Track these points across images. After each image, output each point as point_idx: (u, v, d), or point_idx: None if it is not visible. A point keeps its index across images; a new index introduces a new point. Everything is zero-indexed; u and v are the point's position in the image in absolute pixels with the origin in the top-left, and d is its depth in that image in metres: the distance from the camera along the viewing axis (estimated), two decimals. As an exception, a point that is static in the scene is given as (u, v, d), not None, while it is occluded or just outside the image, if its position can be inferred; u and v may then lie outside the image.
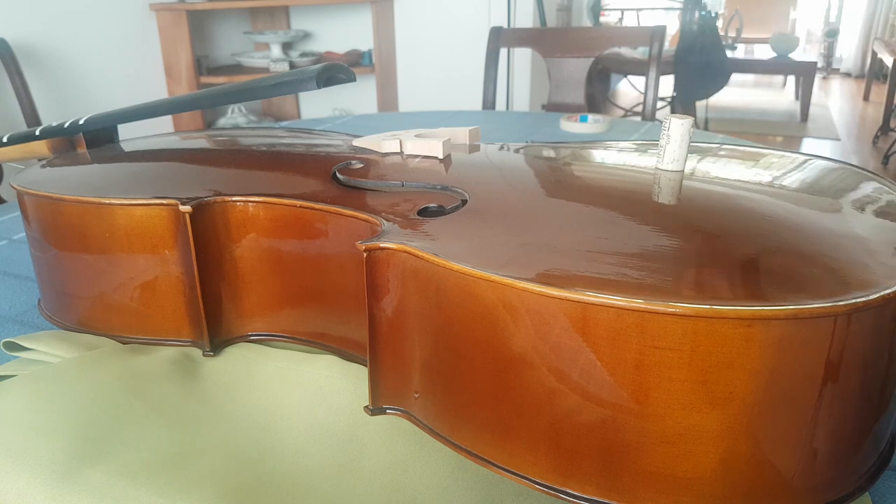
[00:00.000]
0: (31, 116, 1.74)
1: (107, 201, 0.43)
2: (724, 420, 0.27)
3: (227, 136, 0.63)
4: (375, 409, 0.38)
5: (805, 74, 3.83)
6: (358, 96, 2.55)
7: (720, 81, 2.99)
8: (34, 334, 0.46)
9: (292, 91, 0.51)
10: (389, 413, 0.38)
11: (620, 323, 0.27)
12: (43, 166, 0.53)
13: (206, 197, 0.43)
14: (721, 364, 0.26)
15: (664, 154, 0.44)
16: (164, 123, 2.20)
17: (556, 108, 1.44)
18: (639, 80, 3.86)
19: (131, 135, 0.63)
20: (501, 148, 0.52)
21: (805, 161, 0.45)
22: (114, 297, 0.46)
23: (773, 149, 0.48)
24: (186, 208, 0.42)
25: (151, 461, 0.35)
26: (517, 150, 0.51)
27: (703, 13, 2.94)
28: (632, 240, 0.33)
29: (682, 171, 0.44)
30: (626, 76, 3.84)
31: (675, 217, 0.37)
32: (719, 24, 4.22)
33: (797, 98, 4.23)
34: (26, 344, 0.45)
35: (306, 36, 2.62)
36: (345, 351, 0.43)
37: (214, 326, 0.45)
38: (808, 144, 3.47)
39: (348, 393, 0.40)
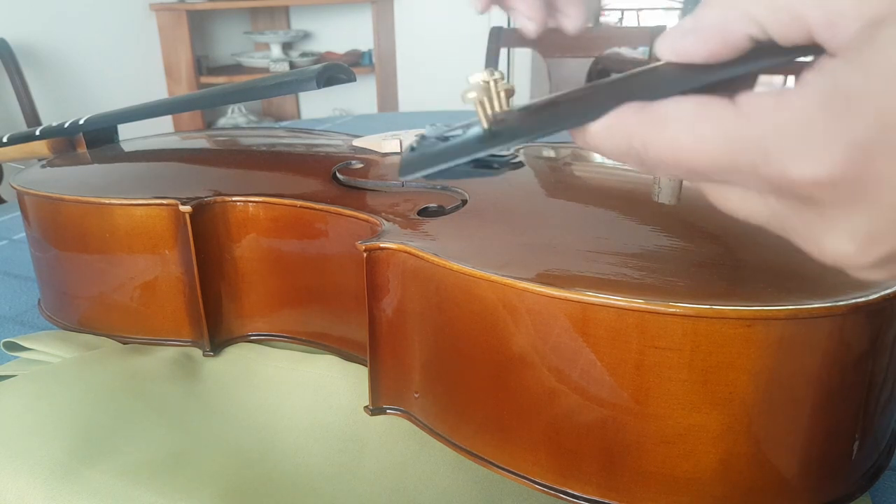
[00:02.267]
0: (31, 116, 1.74)
1: (107, 201, 0.43)
2: (724, 420, 0.27)
3: (227, 136, 0.63)
4: (375, 409, 0.38)
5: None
6: (358, 96, 2.55)
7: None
8: (34, 334, 0.46)
9: (292, 91, 0.51)
10: (389, 413, 0.38)
11: (620, 323, 0.27)
12: (43, 166, 0.53)
13: (206, 197, 0.43)
14: (721, 364, 0.26)
15: (664, 154, 0.44)
16: (164, 123, 2.20)
17: (556, 108, 1.44)
18: (639, 80, 3.85)
19: (131, 135, 0.63)
20: (501, 148, 0.52)
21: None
22: (114, 297, 0.46)
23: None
24: (186, 208, 0.42)
25: (151, 461, 0.35)
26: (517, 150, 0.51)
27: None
28: (632, 240, 0.33)
29: (682, 171, 0.44)
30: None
31: (675, 217, 0.37)
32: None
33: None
34: (26, 344, 0.45)
35: (306, 36, 2.61)
36: (345, 351, 0.43)
37: (214, 326, 0.45)
38: (808, 144, 3.46)
39: (348, 393, 0.40)
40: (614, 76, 0.23)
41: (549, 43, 1.44)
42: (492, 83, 0.24)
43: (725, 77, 0.20)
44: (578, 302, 0.27)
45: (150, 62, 2.23)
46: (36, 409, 0.38)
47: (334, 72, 0.51)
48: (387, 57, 2.45)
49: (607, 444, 0.29)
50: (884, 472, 0.32)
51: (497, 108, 0.24)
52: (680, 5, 3.61)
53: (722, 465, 0.28)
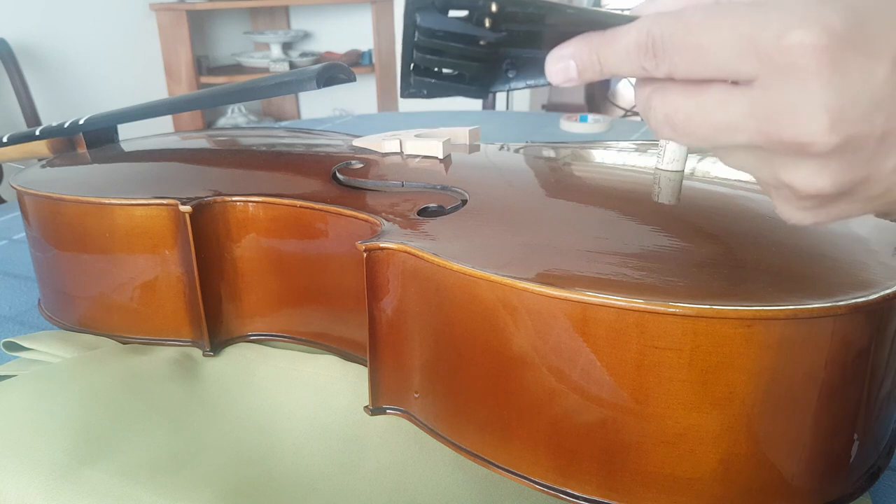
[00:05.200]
0: (31, 116, 1.74)
1: (107, 201, 0.43)
2: (724, 420, 0.27)
3: (227, 136, 0.63)
4: (375, 409, 0.38)
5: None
6: (358, 96, 2.55)
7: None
8: (34, 334, 0.46)
9: (292, 91, 0.51)
10: (389, 413, 0.38)
11: (620, 323, 0.27)
12: (43, 166, 0.53)
13: (206, 197, 0.43)
14: (721, 364, 0.26)
15: (664, 154, 0.44)
16: (164, 123, 2.20)
17: (556, 108, 1.44)
18: (639, 80, 3.85)
19: (131, 135, 0.63)
20: (501, 148, 0.52)
21: (805, 161, 0.45)
22: (114, 298, 0.46)
23: (773, 149, 0.47)
24: (186, 208, 0.42)
25: (151, 461, 0.35)
26: (517, 150, 0.51)
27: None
28: (632, 240, 0.33)
29: (682, 171, 0.44)
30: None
31: (675, 217, 0.37)
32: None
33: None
34: (26, 344, 0.45)
35: (306, 36, 2.61)
36: (345, 351, 0.43)
37: (214, 326, 0.45)
38: (808, 144, 3.46)
39: (348, 393, 0.40)
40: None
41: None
42: None
43: None
44: (578, 302, 0.27)
45: (150, 62, 2.23)
46: (36, 409, 0.38)
47: (334, 72, 0.51)
48: (387, 57, 2.45)
49: (607, 444, 0.29)
50: (884, 472, 0.32)
51: None
52: (680, 5, 3.60)
53: (722, 465, 0.28)
